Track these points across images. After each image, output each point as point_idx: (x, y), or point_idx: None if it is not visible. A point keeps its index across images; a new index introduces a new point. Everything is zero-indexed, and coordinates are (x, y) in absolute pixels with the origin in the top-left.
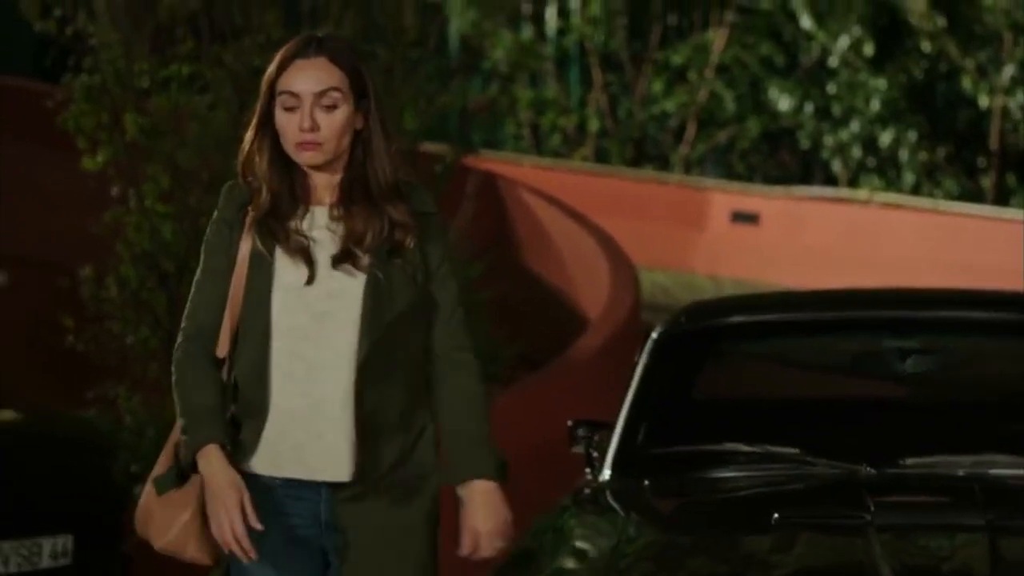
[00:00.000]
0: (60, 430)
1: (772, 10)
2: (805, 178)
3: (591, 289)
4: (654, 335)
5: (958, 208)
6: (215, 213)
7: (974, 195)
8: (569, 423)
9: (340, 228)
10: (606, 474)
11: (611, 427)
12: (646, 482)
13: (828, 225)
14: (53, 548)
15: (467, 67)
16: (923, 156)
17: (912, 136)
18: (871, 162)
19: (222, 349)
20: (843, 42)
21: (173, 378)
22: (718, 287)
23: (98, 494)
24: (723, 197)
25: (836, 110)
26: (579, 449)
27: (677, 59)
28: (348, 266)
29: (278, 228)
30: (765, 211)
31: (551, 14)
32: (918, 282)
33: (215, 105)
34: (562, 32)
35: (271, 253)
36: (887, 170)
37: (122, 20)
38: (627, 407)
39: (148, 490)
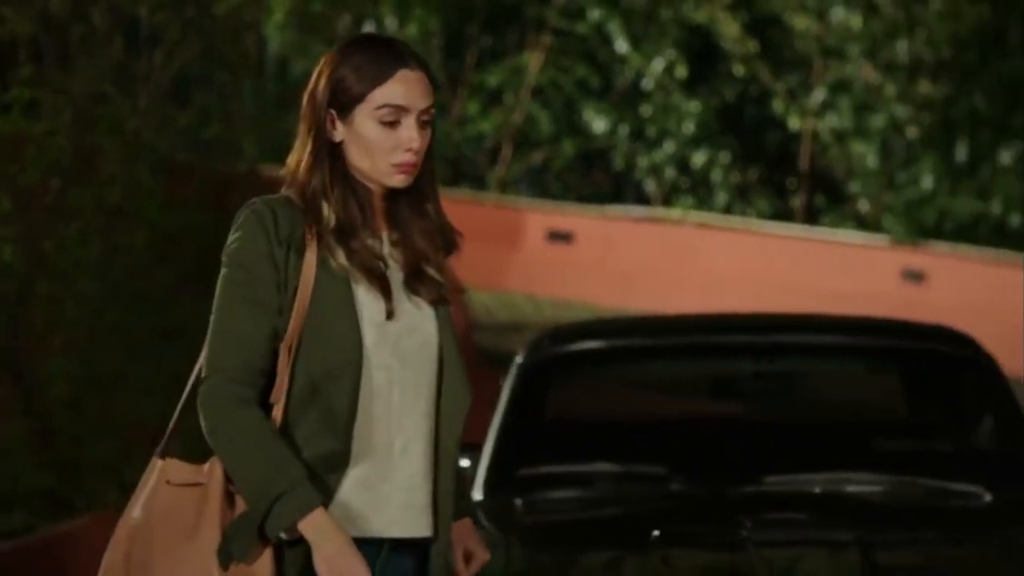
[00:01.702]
0: None
1: (587, 33)
2: (618, 198)
3: None
4: (519, 359)
5: (769, 228)
6: (248, 232)
7: (785, 215)
8: None
9: (400, 253)
10: (477, 495)
11: (478, 448)
12: (518, 501)
13: (642, 244)
14: None
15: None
16: (735, 177)
17: (724, 157)
18: (684, 183)
19: (277, 394)
20: (657, 65)
21: (219, 425)
22: (536, 306)
23: None
24: (538, 217)
25: (650, 132)
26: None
27: (493, 81)
28: (417, 298)
29: (354, 250)
30: (580, 230)
31: None
32: (730, 301)
33: (54, 131)
34: None
35: (351, 282)
36: (700, 191)
37: None
38: (496, 429)
39: (191, 561)
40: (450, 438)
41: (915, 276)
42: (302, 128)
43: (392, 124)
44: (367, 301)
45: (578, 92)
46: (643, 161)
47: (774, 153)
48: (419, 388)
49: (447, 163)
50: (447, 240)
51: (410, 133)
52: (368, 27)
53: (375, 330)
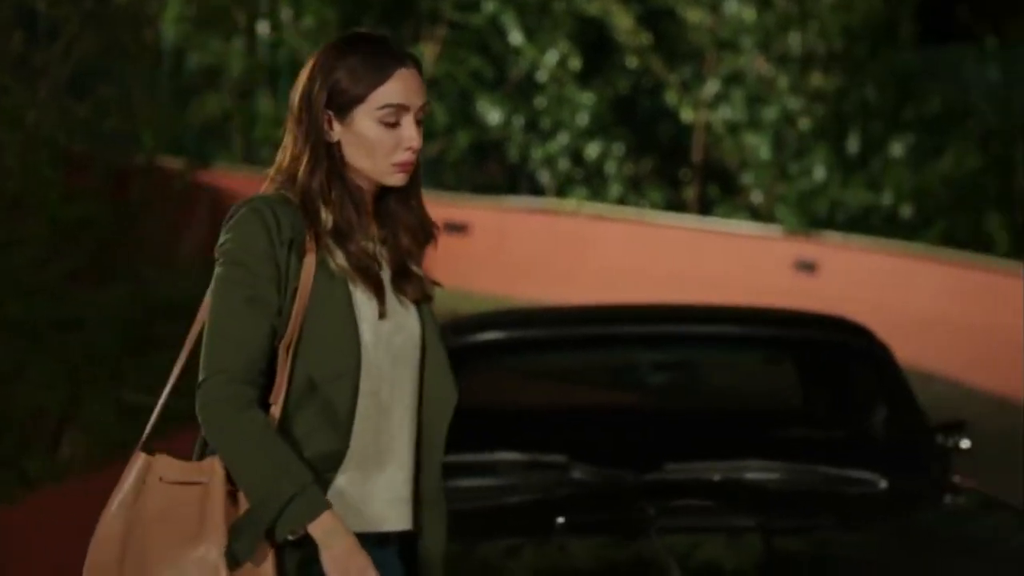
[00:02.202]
0: None
1: (482, 25)
2: (513, 189)
3: None
4: None
5: (663, 219)
6: (248, 231)
7: (678, 206)
8: None
9: (387, 251)
10: None
11: None
12: None
13: (536, 235)
14: None
15: (203, 83)
16: (628, 168)
17: (618, 149)
18: (578, 174)
19: (276, 394)
20: (551, 57)
21: (223, 427)
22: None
23: None
24: (433, 208)
25: (544, 123)
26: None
27: None
28: (403, 296)
29: (351, 252)
30: (475, 221)
31: (264, 27)
32: (625, 291)
33: None
34: (275, 45)
35: (348, 283)
36: (594, 182)
37: None
38: None
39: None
40: (435, 433)
41: (807, 266)
42: (296, 129)
43: (393, 124)
44: (363, 302)
45: (473, 84)
46: (537, 152)
47: (667, 144)
48: (404, 384)
49: None
50: (427, 233)
51: (410, 132)
52: (263, 21)
53: (371, 330)
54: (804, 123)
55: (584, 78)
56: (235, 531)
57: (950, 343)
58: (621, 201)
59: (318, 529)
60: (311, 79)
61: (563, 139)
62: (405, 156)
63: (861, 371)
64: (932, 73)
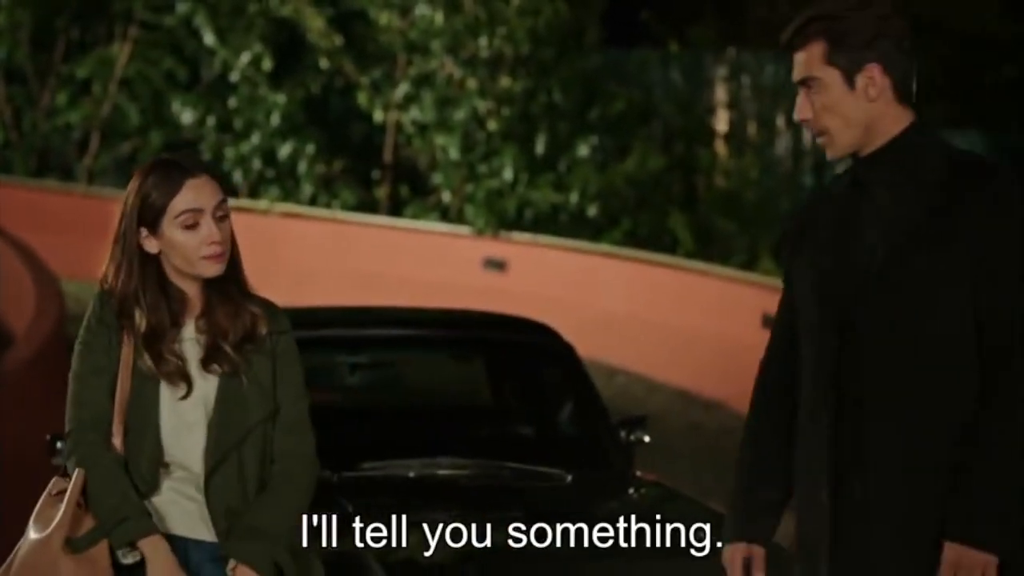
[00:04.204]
0: None
1: (175, 26)
2: None
3: (15, 302)
4: None
5: (355, 218)
6: (90, 315)
7: (369, 206)
8: (48, 436)
9: (204, 334)
10: None
11: None
12: None
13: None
14: None
15: None
16: (320, 168)
17: (310, 149)
18: (270, 174)
19: (116, 439)
20: (244, 58)
21: (76, 462)
22: None
23: None
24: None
25: (237, 124)
26: (60, 460)
27: (82, 72)
28: (208, 373)
29: (157, 352)
30: None
31: None
32: (317, 292)
33: None
34: None
35: (154, 373)
36: (286, 182)
37: None
38: None
39: (43, 546)
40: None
41: (497, 265)
42: (115, 246)
43: (193, 226)
44: (165, 388)
45: (166, 84)
46: (230, 152)
47: (359, 145)
48: (197, 440)
49: (35, 154)
50: (245, 314)
51: (210, 229)
52: None
53: (171, 405)
54: (492, 124)
55: (276, 78)
56: (85, 533)
57: (636, 339)
58: (313, 201)
59: (147, 545)
60: (124, 203)
61: (256, 139)
62: (211, 250)
63: (546, 369)
64: (618, 76)
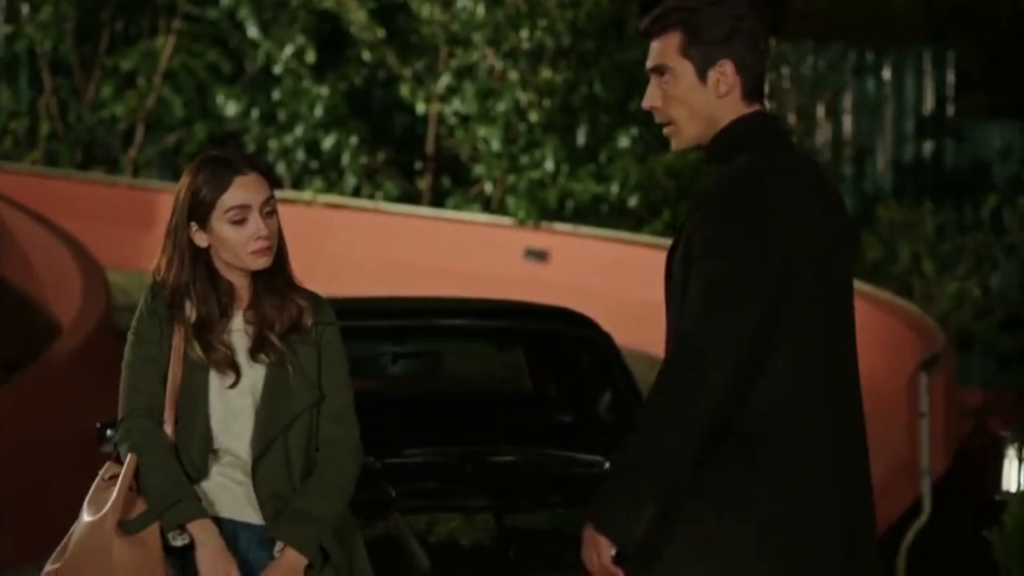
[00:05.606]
0: None
1: (219, 19)
2: None
3: (62, 293)
4: None
5: (398, 209)
6: (143, 306)
7: (412, 197)
8: (98, 424)
9: (252, 324)
10: None
11: None
12: None
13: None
14: None
15: None
16: (363, 160)
17: (353, 141)
18: (314, 165)
19: (168, 426)
20: (288, 50)
21: (130, 447)
22: None
23: None
24: (171, 199)
25: (281, 116)
26: (109, 448)
27: (126, 65)
28: (256, 363)
29: (207, 342)
30: None
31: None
32: (362, 283)
33: None
34: (12, 38)
35: (204, 362)
36: (329, 173)
37: None
38: None
39: (96, 528)
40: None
41: (538, 255)
42: (167, 239)
43: (241, 221)
44: (215, 376)
45: (209, 76)
46: (274, 144)
47: (401, 136)
48: (245, 428)
49: (80, 146)
50: (291, 305)
51: (257, 225)
52: None
53: (220, 393)
54: (534, 116)
55: (320, 71)
56: (137, 515)
57: None
58: (356, 192)
59: (196, 528)
60: (176, 198)
61: (299, 131)
62: (258, 245)
63: (585, 359)
64: None
